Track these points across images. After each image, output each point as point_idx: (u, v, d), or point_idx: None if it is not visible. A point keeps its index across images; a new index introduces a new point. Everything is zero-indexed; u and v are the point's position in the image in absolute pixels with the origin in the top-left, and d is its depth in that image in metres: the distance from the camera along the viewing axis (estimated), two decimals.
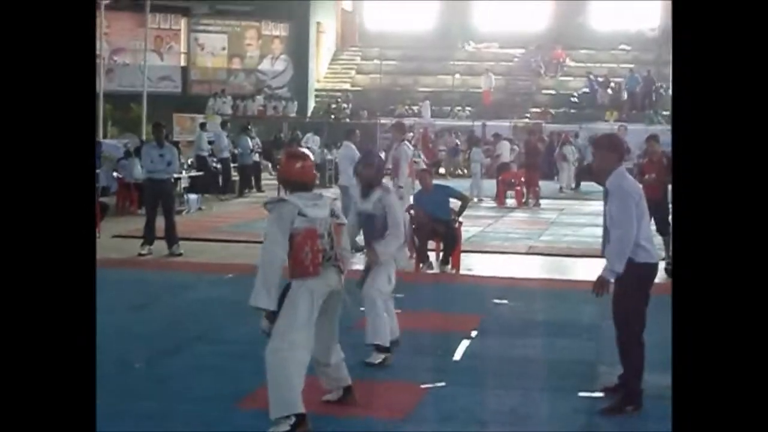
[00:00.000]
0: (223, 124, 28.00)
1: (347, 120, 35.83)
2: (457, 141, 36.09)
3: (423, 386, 7.67)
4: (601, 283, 6.82)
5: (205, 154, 26.61)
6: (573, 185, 29.62)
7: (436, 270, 13.77)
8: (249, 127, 28.56)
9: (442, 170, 33.79)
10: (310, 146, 28.00)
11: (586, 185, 27.88)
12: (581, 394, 7.46)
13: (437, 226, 13.63)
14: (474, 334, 9.47)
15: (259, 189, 27.25)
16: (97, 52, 28.61)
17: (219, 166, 26.48)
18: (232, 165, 26.87)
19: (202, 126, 28.77)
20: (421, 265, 13.74)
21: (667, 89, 36.33)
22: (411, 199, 14.76)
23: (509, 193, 25.54)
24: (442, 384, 7.75)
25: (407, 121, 29.07)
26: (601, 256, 7.13)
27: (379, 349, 8.35)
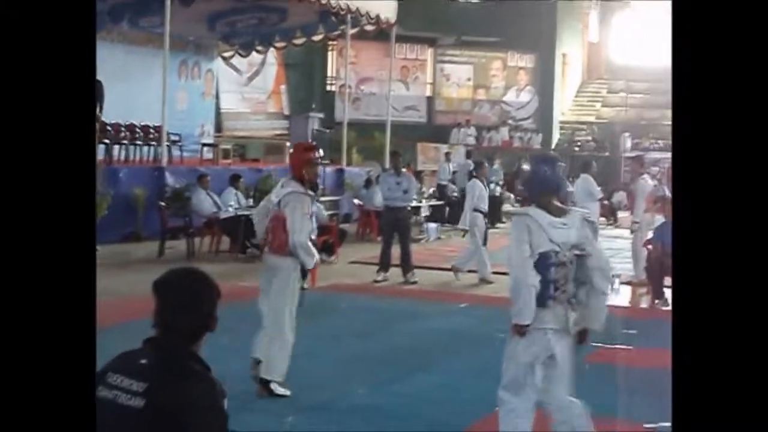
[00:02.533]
0: (468, 154, 28.16)
1: (594, 153, 35.25)
2: None
3: (647, 426, 7.42)
4: None
5: (446, 183, 26.84)
6: None
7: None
8: (493, 158, 28.58)
9: None
10: None
11: None
12: None
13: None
14: None
15: (500, 220, 27.20)
16: (344, 81, 29.44)
17: (458, 195, 26.58)
18: None
19: (447, 156, 29.06)
20: (656, 301, 13.33)
21: None
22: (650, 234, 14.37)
23: None
24: (667, 424, 7.48)
25: (655, 155, 28.46)
26: None
27: None
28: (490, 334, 10.11)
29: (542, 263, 5.86)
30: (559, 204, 6.06)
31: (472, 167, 18.14)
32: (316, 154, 8.56)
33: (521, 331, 5.92)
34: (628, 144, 37.02)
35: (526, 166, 6.80)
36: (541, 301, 5.90)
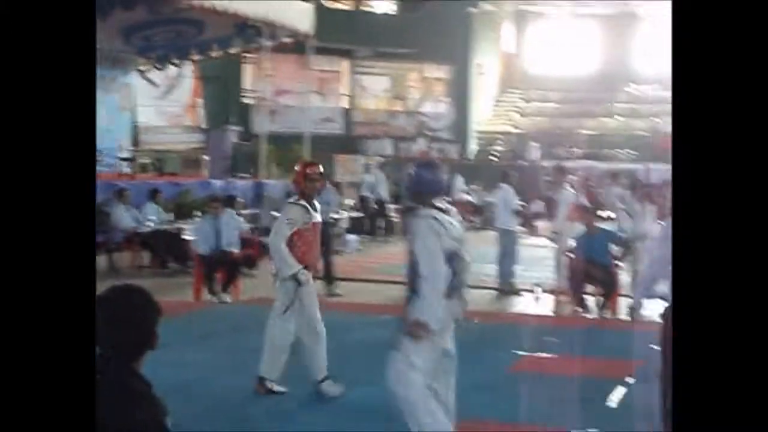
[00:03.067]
0: (382, 166, 28.26)
1: (512, 162, 35.50)
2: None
3: None
4: None
5: (367, 194, 26.94)
6: None
7: (594, 315, 13.50)
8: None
9: (605, 213, 33.20)
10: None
11: None
12: None
13: (594, 271, 13.33)
14: (630, 380, 9.19)
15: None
16: (261, 94, 29.31)
17: (376, 207, 26.71)
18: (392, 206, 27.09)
19: (366, 167, 29.11)
20: (578, 309, 13.49)
21: None
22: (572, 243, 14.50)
23: None
24: (594, 431, 7.60)
25: (571, 164, 28.75)
26: None
27: None
28: None
29: (446, 260, 6.14)
30: (441, 205, 6.38)
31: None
32: (316, 170, 8.96)
33: (428, 331, 6.07)
34: (538, 154, 37.35)
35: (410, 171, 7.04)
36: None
